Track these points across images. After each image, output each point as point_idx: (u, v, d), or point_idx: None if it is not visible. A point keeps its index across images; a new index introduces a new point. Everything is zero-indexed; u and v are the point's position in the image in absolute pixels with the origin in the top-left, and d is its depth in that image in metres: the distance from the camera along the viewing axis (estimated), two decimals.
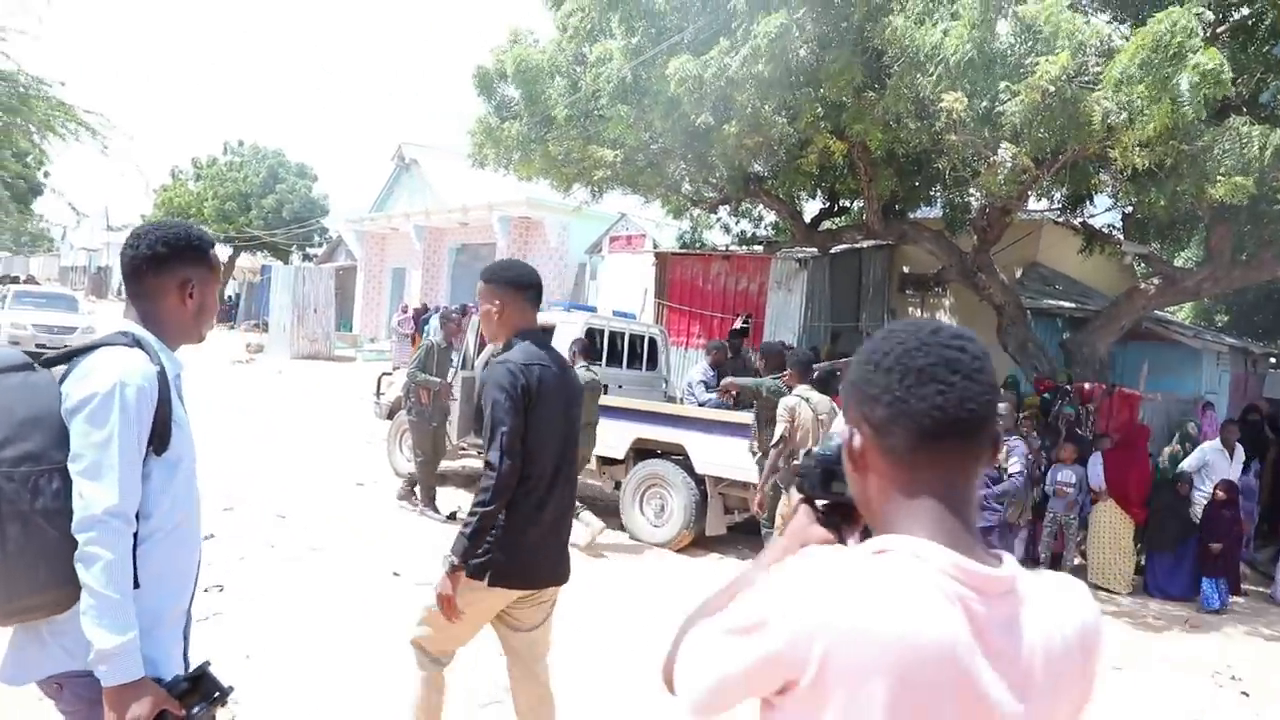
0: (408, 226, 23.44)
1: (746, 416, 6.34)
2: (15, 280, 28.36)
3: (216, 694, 1.63)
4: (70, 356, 1.65)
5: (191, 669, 1.68)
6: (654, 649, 1.66)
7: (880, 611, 0.87)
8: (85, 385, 1.58)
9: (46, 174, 23.81)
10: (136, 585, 1.59)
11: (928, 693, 0.87)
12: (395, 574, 5.36)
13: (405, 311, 18.19)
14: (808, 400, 5.36)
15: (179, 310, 1.77)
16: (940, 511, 0.95)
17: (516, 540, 2.46)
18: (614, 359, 8.52)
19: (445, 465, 8.04)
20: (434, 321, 16.04)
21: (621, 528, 7.21)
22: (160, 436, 1.64)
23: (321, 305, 21.15)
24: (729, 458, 6.56)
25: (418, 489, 7.11)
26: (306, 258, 32.39)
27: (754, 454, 5.85)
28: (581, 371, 6.42)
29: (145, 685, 1.56)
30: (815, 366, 5.74)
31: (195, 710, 1.60)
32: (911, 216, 9.64)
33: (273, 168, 31.26)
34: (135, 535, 1.60)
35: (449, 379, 7.22)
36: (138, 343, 1.67)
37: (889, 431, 0.97)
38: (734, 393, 7.03)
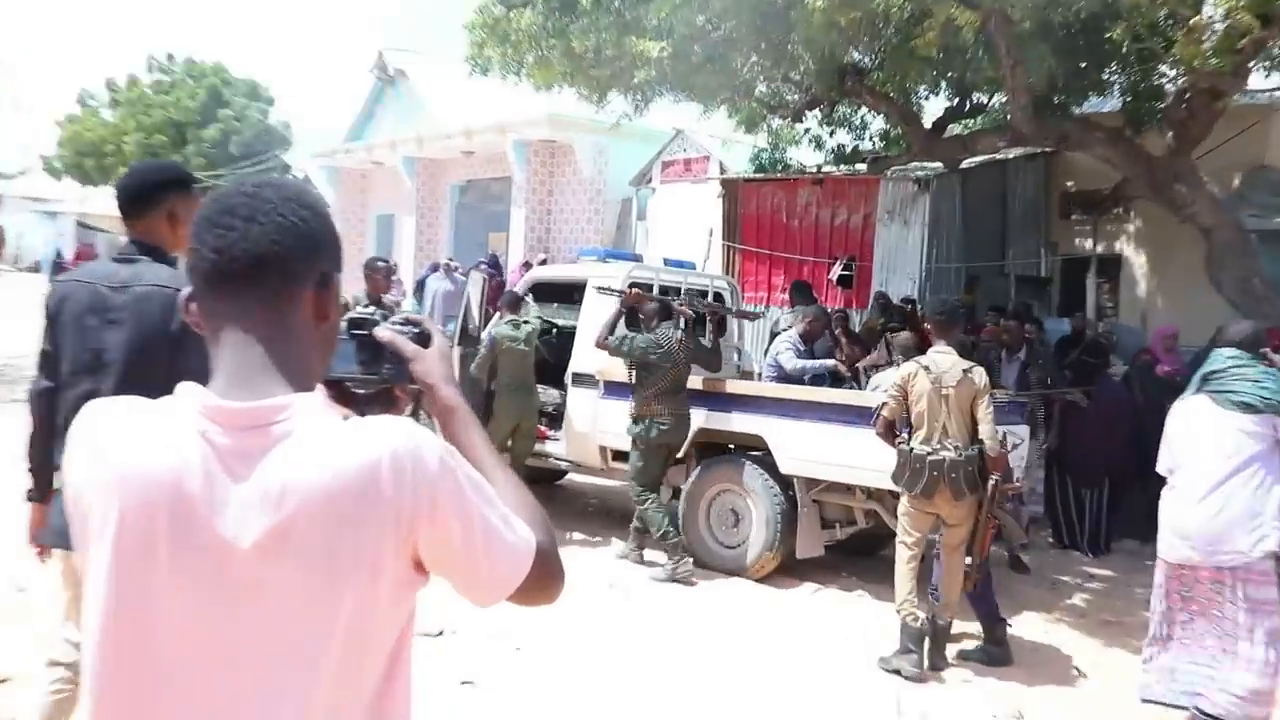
0: (395, 159, 23.73)
1: (863, 397, 6.30)
2: None
3: None
4: None
5: None
6: None
7: (115, 450, 1.23)
8: None
9: None
10: None
11: (148, 519, 1.20)
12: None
13: (433, 269, 17.90)
14: (928, 369, 5.34)
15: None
16: (227, 355, 1.28)
17: None
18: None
19: None
20: (431, 283, 16.28)
21: (684, 548, 7.26)
22: None
23: None
24: (827, 452, 6.53)
25: None
26: None
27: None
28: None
29: None
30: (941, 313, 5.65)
31: None
32: (1076, 112, 9.45)
33: (214, 89, 31.90)
34: None
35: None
36: None
37: (191, 280, 1.31)
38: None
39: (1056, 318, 11.66)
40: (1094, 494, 8.55)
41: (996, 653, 5.63)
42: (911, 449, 5.32)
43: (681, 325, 7.18)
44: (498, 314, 8.22)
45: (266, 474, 1.21)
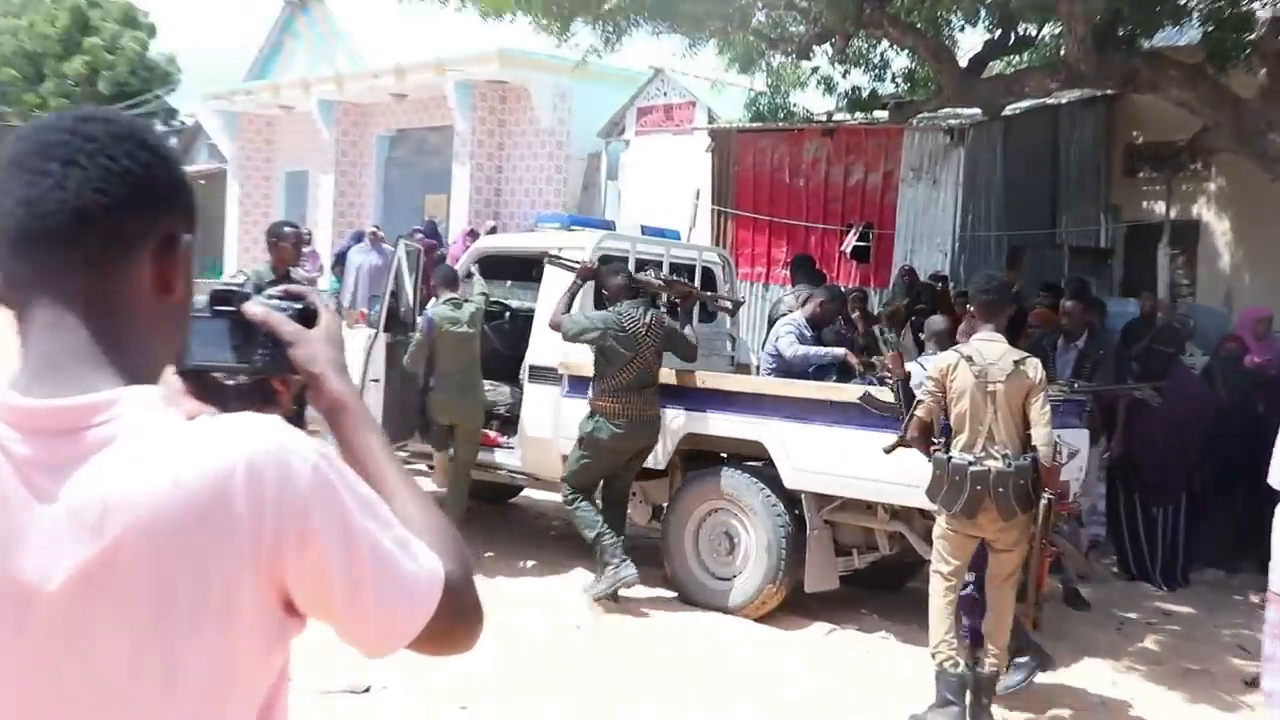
0: (308, 103, 23.55)
1: (887, 394, 6.30)
2: None
3: None
4: None
5: None
6: None
7: None
8: None
9: None
10: None
11: None
12: None
13: (356, 238, 17.62)
14: (971, 360, 5.33)
15: None
16: (36, 338, 1.21)
17: None
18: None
19: None
20: (354, 256, 16.14)
21: (666, 581, 7.28)
22: None
23: None
24: (842, 462, 6.51)
25: None
26: None
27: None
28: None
29: None
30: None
31: None
32: (1146, 45, 9.45)
33: (78, 12, 31.54)
34: None
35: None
36: None
37: None
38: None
39: (1120, 297, 11.72)
40: (1167, 513, 8.57)
41: (1030, 663, 5.67)
42: (950, 458, 5.30)
43: (651, 305, 7.15)
44: (434, 293, 8.16)
45: (81, 491, 1.13)
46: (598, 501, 7.24)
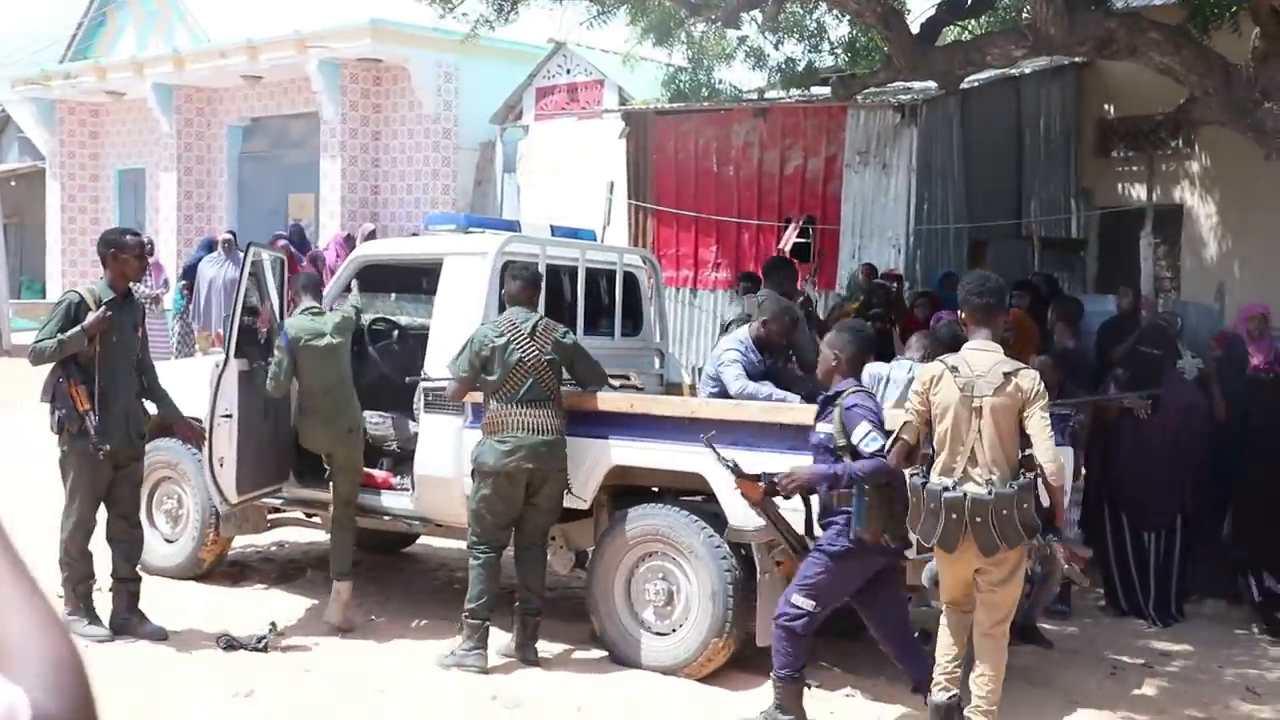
0: (141, 88, 23.20)
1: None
2: None
3: None
4: None
5: None
6: None
7: None
8: None
9: None
10: None
11: None
12: None
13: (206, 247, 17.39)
14: (956, 370, 5.45)
15: None
16: None
17: None
18: (558, 316, 8.47)
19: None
20: (205, 268, 15.90)
21: (594, 637, 7.23)
22: None
23: None
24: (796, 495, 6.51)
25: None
26: None
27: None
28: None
29: None
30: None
31: None
32: (1122, 4, 9.67)
33: None
34: None
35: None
36: None
37: None
38: None
39: (1096, 294, 11.91)
40: (1160, 538, 8.71)
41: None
42: (925, 483, 5.39)
43: (545, 314, 7.17)
44: (293, 303, 8.09)
45: None
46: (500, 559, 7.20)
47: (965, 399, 5.37)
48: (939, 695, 5.54)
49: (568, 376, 7.27)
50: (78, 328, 6.96)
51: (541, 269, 7.98)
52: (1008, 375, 5.41)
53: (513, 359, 6.93)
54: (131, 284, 7.62)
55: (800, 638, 5.91)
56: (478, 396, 7.35)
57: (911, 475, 5.48)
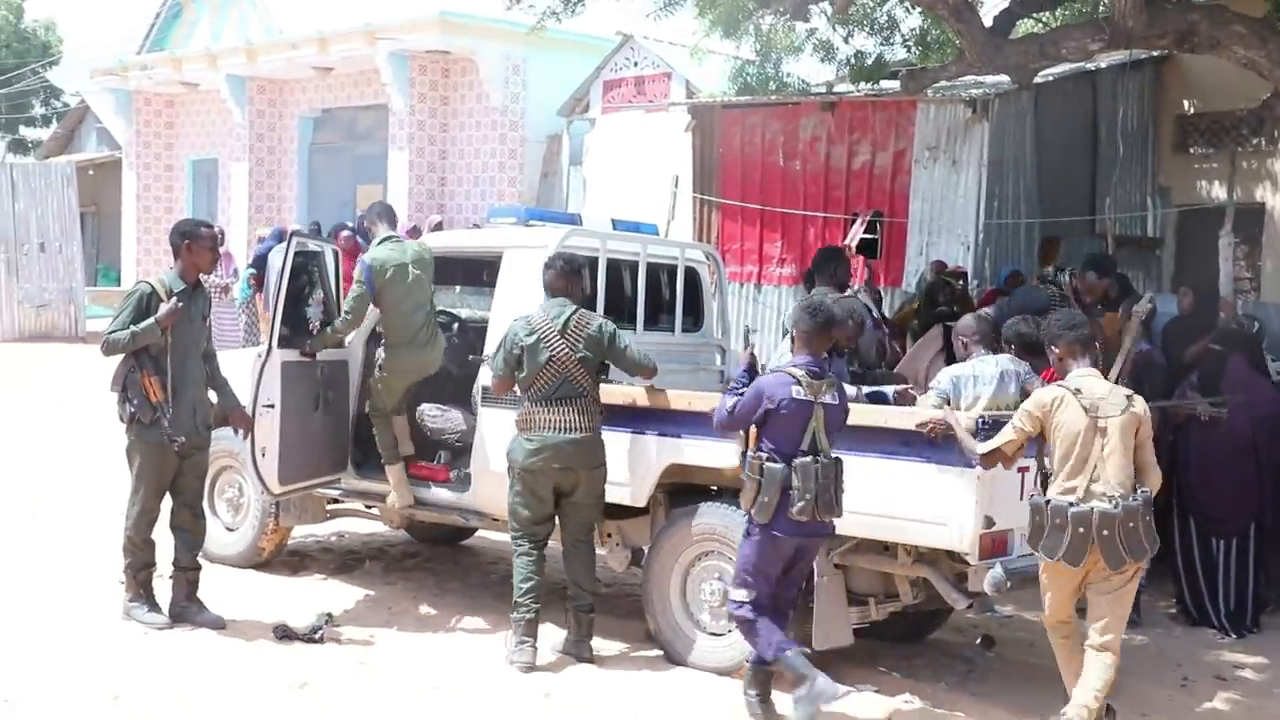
0: (215, 80, 23.47)
1: (908, 415, 6.30)
2: None
3: None
4: None
5: None
6: None
7: None
8: None
9: None
10: None
11: None
12: None
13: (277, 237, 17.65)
14: (1079, 392, 5.69)
15: None
16: None
17: None
18: (618, 311, 8.44)
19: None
20: (275, 259, 16.00)
21: (649, 638, 7.21)
22: None
23: (55, 237, 21.29)
24: (857, 496, 6.40)
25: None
26: (20, 146, 32.52)
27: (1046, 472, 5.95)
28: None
29: None
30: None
31: None
32: None
33: None
34: None
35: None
36: None
37: None
38: None
39: (1173, 293, 11.70)
40: (1232, 546, 8.54)
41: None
42: (1048, 500, 5.62)
43: (572, 303, 7.09)
44: (366, 231, 8.20)
45: None
46: (542, 550, 7.20)
47: (1092, 420, 5.61)
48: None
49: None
50: (151, 320, 7.04)
51: (602, 263, 7.97)
52: (1129, 398, 5.73)
53: (542, 358, 6.92)
54: (203, 275, 7.68)
55: (753, 624, 6.12)
56: None
57: (1031, 496, 5.76)
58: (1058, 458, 5.66)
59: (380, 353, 7.93)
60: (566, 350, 6.93)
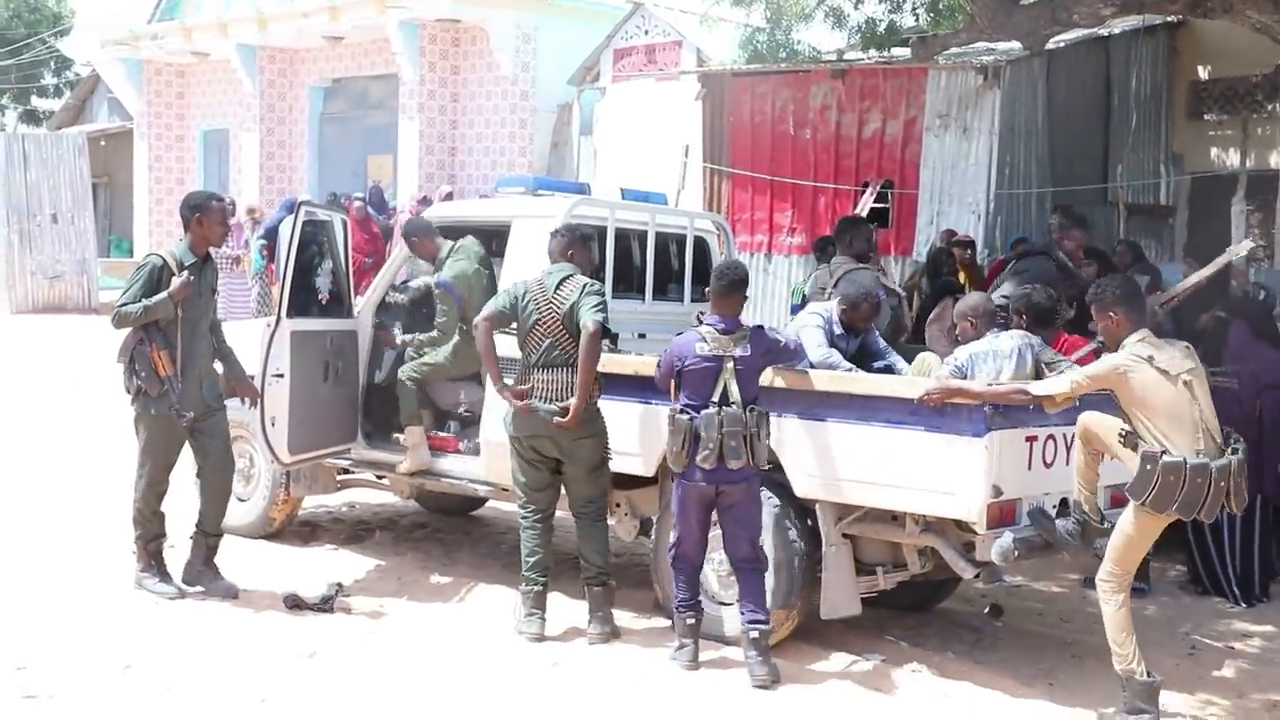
0: (226, 49, 23.42)
1: (916, 384, 6.28)
2: None
3: None
4: None
5: None
6: None
7: None
8: None
9: None
10: None
11: None
12: None
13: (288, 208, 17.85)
14: (1151, 359, 5.74)
15: None
16: None
17: None
18: (627, 281, 8.45)
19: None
20: (286, 230, 16.02)
21: (657, 607, 7.26)
22: None
23: (68, 208, 21.36)
24: (864, 466, 6.47)
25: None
26: (31, 116, 32.50)
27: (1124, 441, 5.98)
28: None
29: None
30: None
31: None
32: None
33: None
34: None
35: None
36: None
37: None
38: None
39: (1172, 263, 11.70)
40: (1242, 515, 8.52)
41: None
42: (1184, 460, 5.63)
43: (571, 269, 7.05)
44: (420, 250, 8.24)
45: None
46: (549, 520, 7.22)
47: (1176, 379, 5.75)
48: (1146, 679, 5.84)
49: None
50: (164, 294, 7.06)
51: (610, 233, 7.96)
52: (1187, 348, 5.93)
53: (530, 320, 6.91)
54: (213, 247, 7.71)
55: (679, 573, 6.59)
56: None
57: (1147, 451, 5.69)
58: (1162, 420, 5.72)
59: (435, 336, 8.05)
60: (553, 313, 6.89)
